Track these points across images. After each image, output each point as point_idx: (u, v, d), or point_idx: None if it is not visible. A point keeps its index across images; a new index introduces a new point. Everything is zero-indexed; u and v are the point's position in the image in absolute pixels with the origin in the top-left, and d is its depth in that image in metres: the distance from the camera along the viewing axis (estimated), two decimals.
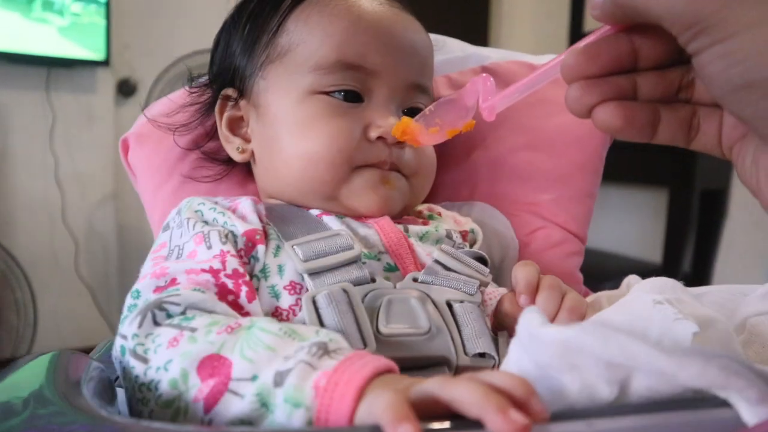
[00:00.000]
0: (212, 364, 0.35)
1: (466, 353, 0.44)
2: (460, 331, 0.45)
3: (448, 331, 0.44)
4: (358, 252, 0.48)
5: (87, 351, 0.50)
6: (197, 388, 0.35)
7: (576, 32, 2.90)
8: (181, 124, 0.66)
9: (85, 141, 2.00)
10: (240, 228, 0.49)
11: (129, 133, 0.71)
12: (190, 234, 0.49)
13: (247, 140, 0.61)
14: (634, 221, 2.53)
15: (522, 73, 0.75)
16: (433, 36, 0.76)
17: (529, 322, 0.31)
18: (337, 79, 0.54)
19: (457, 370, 0.43)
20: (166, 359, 0.36)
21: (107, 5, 1.87)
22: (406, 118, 0.52)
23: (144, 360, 0.37)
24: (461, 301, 0.48)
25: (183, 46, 1.85)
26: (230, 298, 0.44)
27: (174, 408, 0.35)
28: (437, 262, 0.51)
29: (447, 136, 0.50)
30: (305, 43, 0.55)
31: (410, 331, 0.43)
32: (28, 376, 0.33)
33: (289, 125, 0.55)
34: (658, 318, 0.37)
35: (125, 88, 2.05)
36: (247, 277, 0.45)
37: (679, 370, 0.27)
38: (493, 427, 0.25)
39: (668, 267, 2.14)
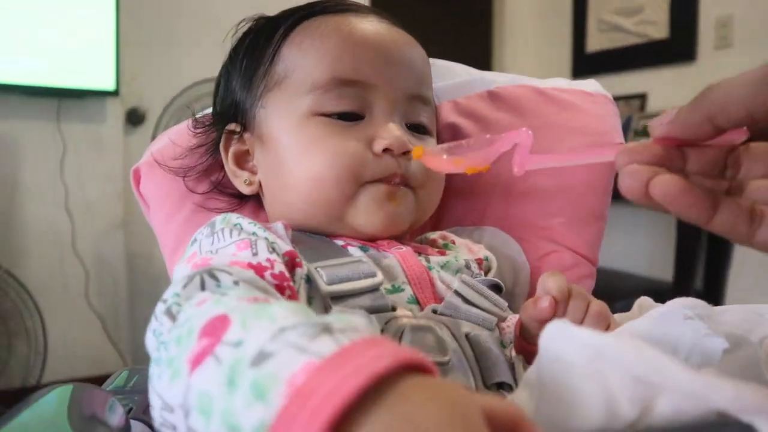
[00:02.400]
0: (214, 325, 0.31)
1: (485, 382, 0.44)
2: (478, 361, 0.45)
3: (467, 363, 0.44)
4: (380, 280, 0.48)
5: (97, 379, 0.49)
6: (191, 348, 0.30)
7: (578, 55, 2.92)
8: (190, 167, 0.67)
9: (95, 170, 2.03)
10: (282, 246, 0.47)
11: (140, 163, 0.72)
12: (229, 240, 0.47)
13: (254, 173, 0.61)
14: (644, 239, 2.52)
15: (527, 96, 0.75)
16: (438, 62, 0.77)
17: (562, 323, 0.31)
18: (334, 96, 0.54)
19: None
20: (186, 317, 0.34)
21: (116, 37, 1.90)
22: (419, 148, 0.50)
23: (173, 318, 0.35)
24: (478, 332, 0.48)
25: (190, 76, 1.88)
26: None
27: (173, 368, 0.31)
28: (457, 293, 0.50)
29: (466, 171, 0.47)
30: (301, 67, 0.56)
31: (433, 359, 0.43)
32: (44, 412, 0.33)
33: (292, 148, 0.55)
34: (689, 332, 0.37)
35: (134, 118, 2.08)
36: (292, 282, 0.43)
37: (713, 393, 0.27)
38: None
39: (680, 285, 2.12)
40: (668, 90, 2.51)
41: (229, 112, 0.62)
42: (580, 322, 0.47)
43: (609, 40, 2.79)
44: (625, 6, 2.72)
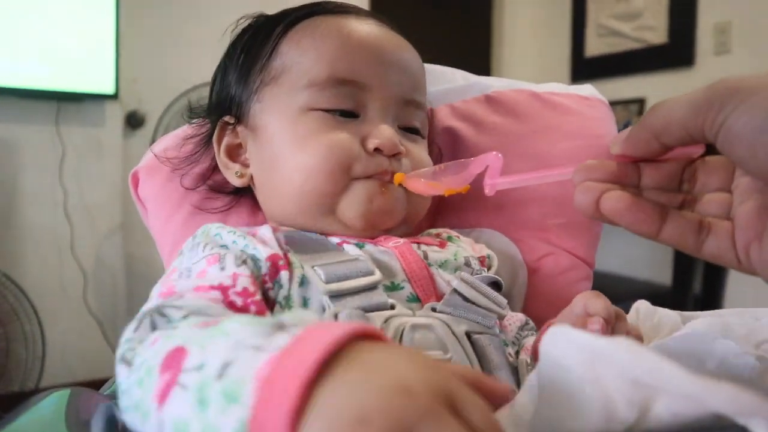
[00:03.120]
0: (173, 357, 0.31)
1: None
2: (480, 364, 0.45)
3: (468, 363, 0.44)
4: (379, 278, 0.48)
5: (95, 383, 0.49)
6: (155, 386, 0.30)
7: (577, 59, 2.92)
8: (184, 157, 0.67)
9: (94, 173, 2.03)
10: (263, 252, 0.48)
11: (139, 167, 0.72)
12: (201, 255, 0.48)
13: (246, 165, 0.62)
14: (642, 243, 2.52)
15: (524, 100, 0.76)
16: (436, 68, 0.78)
17: (562, 328, 0.31)
18: (331, 94, 0.55)
19: None
20: (143, 359, 0.33)
21: (116, 40, 1.90)
22: (400, 174, 0.54)
23: (129, 364, 0.34)
24: (480, 333, 0.48)
25: (189, 79, 1.88)
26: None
27: (142, 411, 0.31)
28: (456, 291, 0.50)
29: (444, 193, 0.52)
30: (298, 64, 0.57)
31: (435, 357, 0.43)
32: (41, 416, 0.33)
33: (286, 141, 0.56)
34: (718, 352, 0.37)
35: (133, 121, 2.08)
36: (258, 297, 0.44)
37: (710, 395, 0.27)
38: None
39: (678, 288, 2.12)
40: (667, 95, 2.46)
41: (224, 104, 0.63)
42: None
43: (608, 44, 2.79)
44: (624, 11, 2.72)
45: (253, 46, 0.61)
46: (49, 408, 0.34)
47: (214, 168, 0.67)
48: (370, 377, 0.24)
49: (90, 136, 2.02)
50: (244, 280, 0.44)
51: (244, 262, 0.47)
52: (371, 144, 0.54)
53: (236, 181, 0.62)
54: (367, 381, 0.24)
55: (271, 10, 0.65)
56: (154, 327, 0.37)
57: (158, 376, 0.31)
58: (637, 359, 0.28)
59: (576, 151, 0.71)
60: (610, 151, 0.38)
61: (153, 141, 1.89)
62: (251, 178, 0.62)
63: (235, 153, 0.63)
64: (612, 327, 0.46)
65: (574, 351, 0.30)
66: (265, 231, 0.52)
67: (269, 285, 0.47)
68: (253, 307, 0.43)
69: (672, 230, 0.35)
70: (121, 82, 1.96)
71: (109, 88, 1.93)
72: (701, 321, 0.43)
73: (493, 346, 0.47)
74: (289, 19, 0.60)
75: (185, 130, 0.71)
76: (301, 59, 0.57)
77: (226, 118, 0.62)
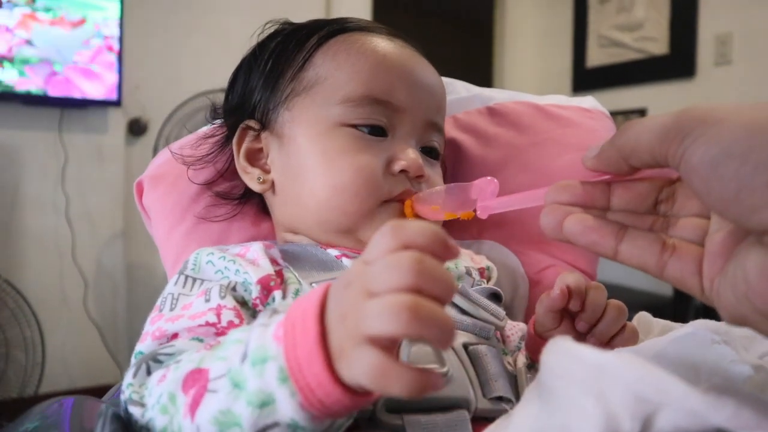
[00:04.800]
0: (193, 377, 0.36)
1: (484, 395, 0.44)
2: (477, 374, 0.45)
3: (465, 374, 0.44)
4: None
5: (94, 390, 0.50)
6: (184, 404, 0.36)
7: (579, 70, 2.93)
8: (198, 157, 0.67)
9: (96, 180, 2.03)
10: (253, 275, 0.49)
11: (144, 176, 0.72)
12: (189, 293, 0.50)
13: (266, 171, 0.62)
14: None
15: (525, 112, 0.76)
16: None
17: (564, 340, 0.31)
18: (365, 112, 0.56)
19: (476, 412, 0.43)
20: (158, 394, 0.38)
21: (120, 47, 1.91)
22: (409, 202, 0.55)
23: (141, 405, 0.39)
24: (477, 344, 0.48)
25: (192, 87, 1.89)
26: None
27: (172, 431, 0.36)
28: (453, 304, 0.51)
29: (444, 217, 0.53)
30: (333, 77, 0.57)
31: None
32: (45, 425, 0.33)
33: (315, 156, 0.56)
34: (713, 357, 0.37)
35: (136, 128, 2.09)
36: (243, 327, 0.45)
37: (712, 410, 0.27)
38: None
39: (680, 299, 2.12)
40: (668, 105, 2.52)
41: (246, 108, 0.62)
42: (602, 311, 0.49)
43: (609, 55, 2.80)
44: (625, 22, 2.74)
45: (283, 53, 0.61)
46: (52, 417, 0.34)
47: (221, 174, 0.67)
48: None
49: (92, 143, 2.02)
50: (228, 314, 0.46)
51: (233, 289, 0.49)
52: (398, 166, 0.55)
53: (257, 187, 0.62)
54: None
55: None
56: (149, 372, 0.41)
57: (183, 396, 0.36)
58: (641, 374, 0.28)
59: (576, 164, 0.71)
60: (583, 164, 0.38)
61: (156, 148, 1.89)
62: (272, 184, 0.61)
63: (254, 158, 0.62)
64: (584, 298, 0.48)
65: (575, 365, 0.30)
66: (255, 249, 0.52)
67: (260, 309, 0.48)
68: None
69: (629, 250, 0.35)
70: (124, 89, 1.97)
71: (112, 95, 1.93)
72: (703, 322, 0.42)
73: (491, 356, 0.47)
74: (323, 32, 0.60)
75: (203, 130, 0.71)
76: (336, 73, 0.57)
77: (251, 123, 0.62)
